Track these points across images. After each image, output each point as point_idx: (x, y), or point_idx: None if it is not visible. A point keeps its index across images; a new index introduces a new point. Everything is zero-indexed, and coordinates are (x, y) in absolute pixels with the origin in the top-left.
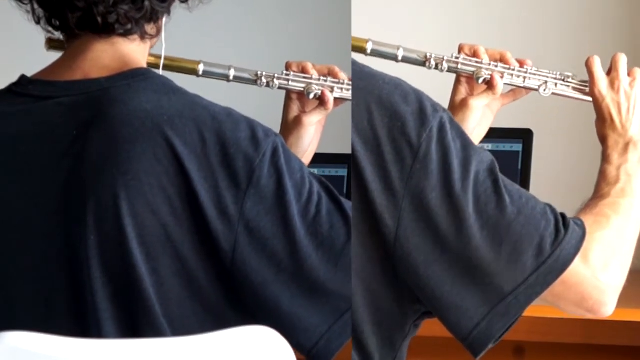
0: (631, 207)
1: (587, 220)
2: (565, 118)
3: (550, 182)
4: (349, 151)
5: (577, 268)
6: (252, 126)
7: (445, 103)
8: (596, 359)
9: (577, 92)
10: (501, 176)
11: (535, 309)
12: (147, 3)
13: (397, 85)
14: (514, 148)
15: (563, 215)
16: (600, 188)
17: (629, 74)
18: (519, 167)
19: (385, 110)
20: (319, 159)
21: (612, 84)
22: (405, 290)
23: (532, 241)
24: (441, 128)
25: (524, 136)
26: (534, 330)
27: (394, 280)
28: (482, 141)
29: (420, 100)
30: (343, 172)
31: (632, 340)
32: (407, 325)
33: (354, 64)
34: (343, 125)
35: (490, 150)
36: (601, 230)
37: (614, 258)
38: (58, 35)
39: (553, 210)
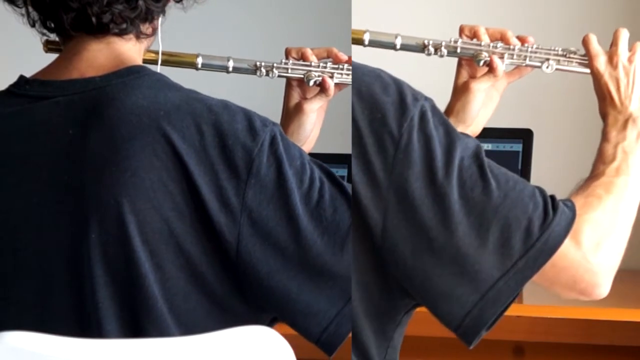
0: (625, 185)
1: (578, 201)
2: (565, 118)
3: (550, 182)
4: (349, 151)
5: (567, 250)
6: (249, 116)
7: (448, 88)
8: (596, 359)
9: (580, 67)
10: (487, 160)
11: (535, 309)
12: (141, 2)
13: (377, 76)
14: (514, 148)
15: (552, 198)
16: (595, 167)
17: (629, 49)
18: (519, 167)
19: (365, 102)
20: (319, 159)
21: (610, 60)
22: (394, 284)
23: (519, 225)
24: (422, 117)
25: (524, 136)
26: (534, 330)
27: (382, 273)
28: (482, 141)
29: (400, 91)
30: (343, 172)
31: (632, 340)
32: (399, 316)
33: None
34: (343, 125)
35: (490, 150)
36: (592, 211)
37: (607, 239)
38: (54, 37)
39: (542, 192)
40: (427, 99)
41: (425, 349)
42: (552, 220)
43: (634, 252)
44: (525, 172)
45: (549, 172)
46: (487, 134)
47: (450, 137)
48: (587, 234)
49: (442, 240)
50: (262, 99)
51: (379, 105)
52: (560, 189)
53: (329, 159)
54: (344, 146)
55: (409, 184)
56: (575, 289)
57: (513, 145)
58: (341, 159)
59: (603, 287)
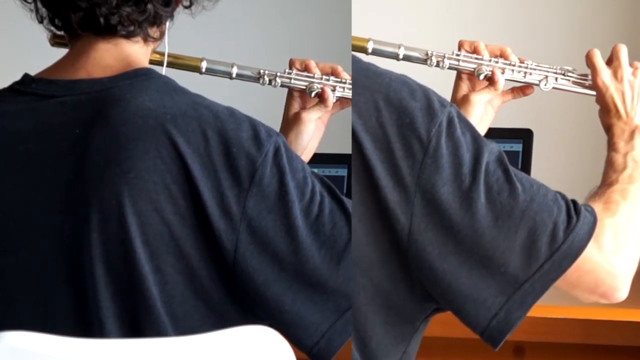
0: (639, 192)
1: (597, 207)
2: (565, 118)
3: (550, 182)
4: (349, 151)
5: (590, 254)
6: (254, 126)
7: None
8: (596, 359)
9: (577, 86)
10: (510, 166)
11: (535, 309)
12: (150, 6)
13: (404, 82)
14: (514, 148)
15: (574, 202)
16: (607, 176)
17: (630, 65)
18: (519, 167)
19: (393, 107)
20: (319, 159)
21: (614, 74)
22: (418, 287)
23: (545, 228)
24: (450, 122)
25: (524, 136)
26: (534, 330)
27: (407, 277)
28: None
29: (427, 96)
30: (343, 172)
31: (632, 340)
32: (418, 321)
33: (359, 62)
34: (343, 125)
35: None
36: (611, 216)
37: (626, 243)
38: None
39: (564, 196)
40: (452, 105)
41: (426, 349)
42: (575, 224)
43: None
44: (525, 172)
45: (549, 172)
46: (487, 134)
47: (477, 142)
48: (608, 238)
49: (470, 243)
50: (258, 105)
51: (408, 110)
52: (560, 189)
53: (329, 159)
54: (344, 146)
55: (437, 189)
56: (597, 292)
57: (513, 145)
58: (341, 159)
59: (622, 290)
